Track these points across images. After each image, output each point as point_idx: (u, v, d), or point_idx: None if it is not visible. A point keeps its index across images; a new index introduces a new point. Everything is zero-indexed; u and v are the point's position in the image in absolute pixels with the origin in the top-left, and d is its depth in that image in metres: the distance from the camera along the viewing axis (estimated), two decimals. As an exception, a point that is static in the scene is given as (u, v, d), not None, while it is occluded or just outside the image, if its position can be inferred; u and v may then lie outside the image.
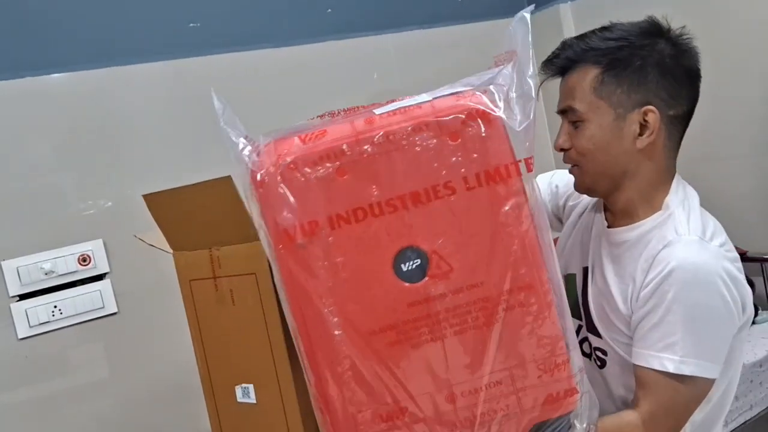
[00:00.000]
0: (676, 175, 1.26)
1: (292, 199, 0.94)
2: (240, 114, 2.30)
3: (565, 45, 1.22)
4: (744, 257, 2.30)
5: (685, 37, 1.21)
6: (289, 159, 0.95)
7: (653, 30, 1.19)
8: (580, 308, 1.30)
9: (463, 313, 0.96)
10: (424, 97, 1.01)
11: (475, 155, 0.94)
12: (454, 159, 0.94)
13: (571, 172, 1.26)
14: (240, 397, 1.35)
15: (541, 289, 0.96)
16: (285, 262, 0.95)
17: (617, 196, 1.23)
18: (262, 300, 1.23)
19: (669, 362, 1.10)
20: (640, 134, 1.17)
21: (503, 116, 0.94)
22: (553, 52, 1.23)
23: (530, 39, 0.96)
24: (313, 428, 1.12)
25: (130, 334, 2.08)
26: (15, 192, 1.94)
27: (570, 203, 1.45)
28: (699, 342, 1.10)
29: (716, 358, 1.13)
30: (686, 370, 1.10)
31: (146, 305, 2.10)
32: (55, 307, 1.97)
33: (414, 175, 0.94)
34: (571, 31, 2.80)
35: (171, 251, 1.44)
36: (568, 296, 1.06)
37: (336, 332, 0.95)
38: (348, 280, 0.95)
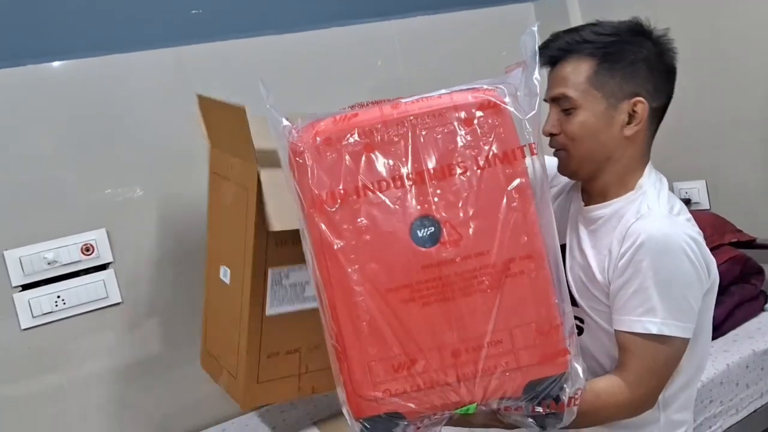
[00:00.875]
0: (650, 162, 1.37)
1: (324, 169, 1.11)
2: (243, 101, 2.30)
3: (557, 36, 1.31)
4: (753, 244, 2.28)
5: (666, 38, 1.32)
6: (323, 136, 1.12)
7: (639, 30, 1.30)
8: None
9: (470, 277, 1.10)
10: (443, 91, 1.18)
11: (486, 140, 1.10)
12: (467, 142, 1.11)
13: (556, 155, 1.34)
14: (221, 276, 1.75)
15: (539, 259, 1.11)
16: (315, 224, 1.11)
17: (597, 179, 1.34)
18: (246, 210, 1.59)
19: (651, 325, 1.20)
20: (629, 123, 1.28)
21: (511, 108, 1.11)
22: (543, 43, 1.30)
23: (537, 49, 1.13)
24: (258, 316, 1.60)
25: (134, 324, 2.07)
26: (16, 181, 1.93)
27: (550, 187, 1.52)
28: (676, 305, 1.21)
29: (690, 319, 1.23)
30: (667, 331, 1.20)
31: (150, 295, 2.09)
32: (59, 297, 1.96)
33: (432, 154, 1.11)
34: (577, 19, 2.77)
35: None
36: None
37: (357, 288, 1.10)
38: (369, 242, 1.11)
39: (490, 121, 1.12)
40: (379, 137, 1.12)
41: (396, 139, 1.13)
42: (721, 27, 2.39)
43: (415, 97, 1.18)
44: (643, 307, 1.21)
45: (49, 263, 1.94)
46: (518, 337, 1.11)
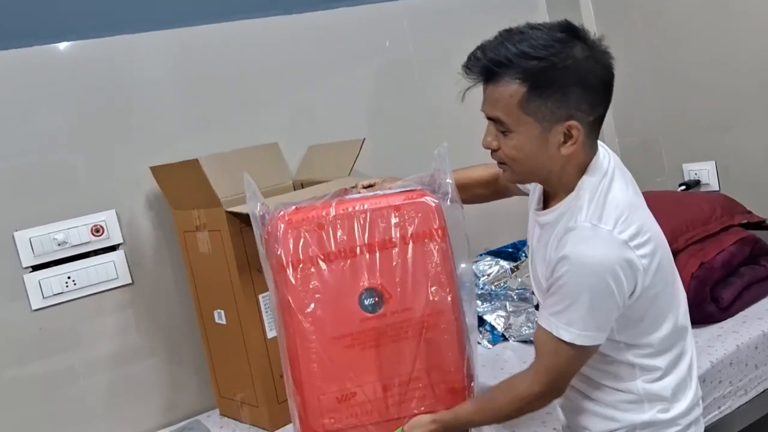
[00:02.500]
0: (597, 155, 1.35)
1: (287, 245, 1.44)
2: (249, 81, 2.31)
3: (484, 50, 1.27)
4: (763, 225, 2.27)
5: (600, 44, 1.28)
6: (287, 220, 1.46)
7: (569, 35, 1.25)
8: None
9: (398, 328, 1.44)
10: (381, 192, 1.55)
11: (412, 221, 1.47)
12: (398, 223, 1.46)
13: (499, 167, 1.38)
14: (216, 319, 1.93)
15: (449, 314, 1.46)
16: (280, 286, 1.44)
17: (544, 184, 1.41)
18: (224, 249, 1.83)
19: (566, 333, 1.27)
20: (564, 143, 1.28)
21: (436, 200, 1.50)
22: (468, 58, 1.30)
23: (449, 163, 1.53)
24: (261, 341, 1.85)
25: (145, 305, 2.08)
26: (25, 162, 1.93)
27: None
28: (581, 316, 1.26)
29: (603, 328, 1.29)
30: (566, 336, 1.27)
31: (161, 276, 2.10)
32: (69, 278, 1.97)
33: (371, 234, 1.45)
34: (588, 8, 2.75)
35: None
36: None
37: (310, 336, 1.42)
38: (320, 300, 1.43)
39: (415, 208, 1.47)
40: (330, 221, 1.45)
41: (342, 222, 1.45)
42: (731, 4, 2.37)
43: (357, 195, 1.54)
44: (554, 309, 1.29)
45: (59, 244, 1.95)
46: (432, 375, 1.45)
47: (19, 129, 1.93)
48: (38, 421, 1.94)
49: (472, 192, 1.73)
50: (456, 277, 1.48)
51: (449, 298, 1.46)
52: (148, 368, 2.08)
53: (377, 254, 1.44)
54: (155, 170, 1.95)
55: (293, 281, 1.43)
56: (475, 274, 2.29)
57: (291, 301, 1.43)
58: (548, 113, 1.25)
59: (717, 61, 2.45)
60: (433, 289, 1.44)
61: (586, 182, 1.32)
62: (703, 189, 2.55)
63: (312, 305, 1.43)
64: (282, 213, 1.46)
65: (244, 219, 1.80)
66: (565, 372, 1.33)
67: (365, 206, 1.47)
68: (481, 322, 2.23)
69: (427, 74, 2.55)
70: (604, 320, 1.29)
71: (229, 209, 1.79)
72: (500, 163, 1.36)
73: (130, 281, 2.05)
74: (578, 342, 1.27)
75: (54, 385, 1.96)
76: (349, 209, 1.46)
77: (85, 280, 1.98)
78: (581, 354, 1.30)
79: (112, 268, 2.02)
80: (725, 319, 2.04)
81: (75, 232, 1.97)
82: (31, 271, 1.93)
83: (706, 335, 1.96)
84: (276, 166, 2.16)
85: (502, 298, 2.23)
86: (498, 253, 2.43)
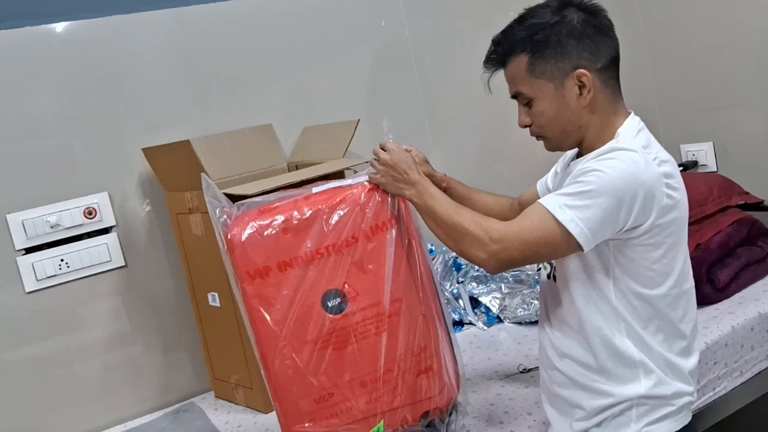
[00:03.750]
0: (633, 116, 1.41)
1: (252, 250, 1.40)
2: (244, 62, 2.29)
3: (494, 43, 1.42)
4: (760, 206, 2.26)
5: (591, 3, 1.38)
6: (249, 225, 1.41)
7: (561, 5, 1.37)
8: None
9: (365, 325, 1.42)
10: (337, 183, 1.50)
11: (368, 214, 1.43)
12: (357, 219, 1.42)
13: (538, 140, 1.45)
14: (210, 302, 1.91)
15: (410, 299, 1.43)
16: (246, 294, 1.41)
17: (581, 145, 1.42)
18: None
19: (556, 203, 1.27)
20: (581, 94, 1.35)
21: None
22: (487, 53, 1.43)
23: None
24: None
25: (139, 288, 2.07)
26: (17, 144, 1.92)
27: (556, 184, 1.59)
28: (591, 212, 1.24)
29: (591, 230, 1.25)
30: (562, 216, 1.25)
31: (154, 259, 2.09)
32: (62, 260, 1.96)
33: (334, 233, 1.42)
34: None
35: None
36: None
37: (281, 342, 1.40)
38: (288, 306, 1.40)
39: (370, 200, 1.44)
40: (291, 223, 1.41)
41: (305, 225, 1.42)
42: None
43: (322, 188, 1.48)
44: (566, 199, 1.27)
45: (51, 227, 1.94)
46: (403, 363, 1.42)
47: (10, 110, 1.91)
48: (33, 404, 1.94)
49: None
50: (416, 259, 1.46)
51: (411, 282, 1.44)
52: (142, 351, 2.08)
53: (342, 254, 1.41)
54: (147, 152, 1.94)
55: (259, 290, 1.40)
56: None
57: (259, 309, 1.41)
58: (555, 70, 1.34)
59: (716, 42, 2.43)
60: (391, 278, 1.42)
61: (626, 130, 1.37)
62: (700, 170, 2.54)
63: (279, 312, 1.40)
64: (245, 218, 1.43)
65: (237, 201, 1.79)
66: (535, 244, 1.28)
67: (325, 206, 1.43)
68: (477, 303, 2.22)
69: (422, 55, 2.53)
70: (602, 228, 1.26)
71: (223, 191, 1.77)
72: (538, 137, 1.44)
73: (124, 264, 2.04)
74: (570, 226, 1.25)
75: (48, 368, 1.96)
76: (309, 211, 1.42)
77: (78, 262, 1.98)
78: (559, 242, 1.27)
79: (105, 251, 2.01)
80: (721, 300, 2.04)
81: (68, 214, 1.96)
82: (24, 254, 1.92)
83: (701, 316, 1.95)
84: (270, 148, 2.15)
85: (497, 279, 2.22)
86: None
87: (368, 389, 1.42)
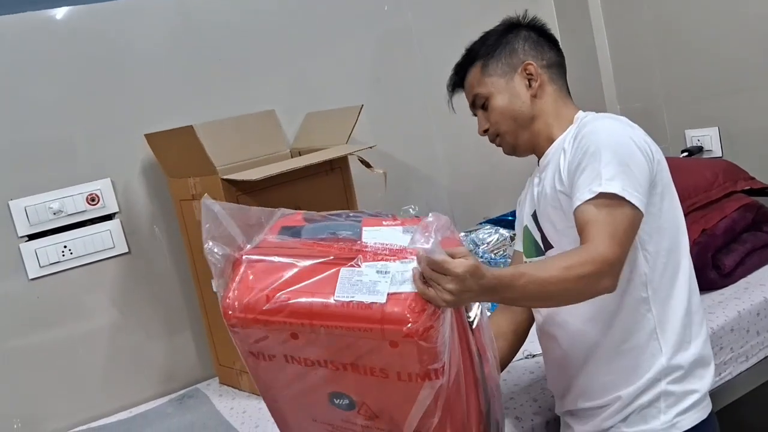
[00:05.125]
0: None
1: (251, 336, 1.18)
2: (246, 47, 2.27)
3: (456, 66, 1.55)
4: (766, 192, 2.25)
5: (536, 19, 1.52)
6: (251, 315, 1.15)
7: (513, 24, 1.51)
8: (540, 243, 1.46)
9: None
10: (399, 238, 1.16)
11: (409, 359, 1.08)
12: (393, 358, 1.09)
13: (497, 144, 1.51)
14: (214, 288, 1.58)
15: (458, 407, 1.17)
16: (251, 366, 1.26)
17: (537, 140, 1.46)
18: None
19: (599, 187, 1.23)
20: (530, 85, 1.45)
21: (437, 343, 1.08)
22: (449, 79, 1.56)
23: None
24: None
25: (142, 274, 2.07)
26: (19, 130, 1.91)
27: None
28: (623, 171, 1.25)
29: (643, 193, 1.26)
30: (627, 195, 1.23)
31: (157, 245, 2.09)
32: (65, 247, 1.95)
33: (355, 356, 1.12)
34: (597, 6, 2.71)
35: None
36: (526, 241, 1.49)
37: (288, 415, 1.31)
38: (293, 391, 1.24)
39: (414, 347, 1.07)
40: (303, 332, 1.13)
41: (320, 340, 1.13)
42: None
43: (372, 238, 1.17)
44: (591, 177, 1.26)
45: (54, 213, 1.93)
46: None
47: (12, 96, 1.90)
48: (37, 390, 1.94)
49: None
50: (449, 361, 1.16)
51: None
52: (146, 337, 2.08)
53: (363, 376, 1.15)
54: (150, 138, 1.93)
55: (258, 369, 1.24)
56: (475, 242, 2.28)
57: (261, 382, 1.28)
58: (505, 66, 1.46)
59: (721, 26, 2.41)
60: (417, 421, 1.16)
61: (582, 114, 1.44)
62: (705, 155, 2.53)
63: (284, 391, 1.26)
64: (246, 297, 1.16)
65: (240, 187, 1.79)
66: (626, 240, 1.22)
67: (354, 330, 1.09)
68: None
69: (425, 41, 2.51)
70: (640, 177, 1.26)
71: (225, 177, 1.77)
72: (495, 139, 1.50)
73: (127, 250, 2.04)
74: (626, 194, 1.22)
75: (52, 354, 1.95)
76: (324, 330, 1.11)
77: (81, 249, 1.97)
78: (634, 218, 1.24)
79: (108, 237, 2.00)
80: (727, 285, 2.03)
81: (70, 200, 1.95)
82: (27, 241, 1.92)
83: (707, 302, 1.94)
84: (273, 134, 2.14)
85: (501, 265, 2.22)
86: (497, 222, 2.41)
87: None
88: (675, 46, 2.55)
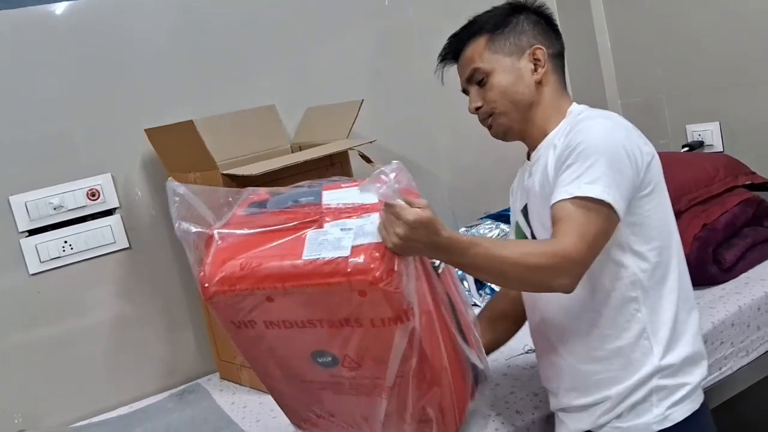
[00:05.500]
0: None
1: (230, 306, 1.24)
2: (247, 42, 2.27)
3: (452, 36, 1.49)
4: (766, 186, 2.25)
5: (541, 5, 1.49)
6: (227, 284, 1.22)
7: (520, 5, 1.47)
8: (530, 239, 1.45)
9: (361, 385, 1.29)
10: (357, 197, 1.22)
11: (379, 306, 1.15)
12: (363, 306, 1.16)
13: (486, 125, 1.46)
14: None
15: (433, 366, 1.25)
16: (235, 337, 1.32)
17: (530, 128, 1.44)
18: None
19: (577, 189, 1.23)
20: (535, 70, 1.42)
21: (402, 288, 1.15)
22: (443, 48, 1.50)
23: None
24: None
25: (143, 269, 2.07)
26: (20, 125, 1.91)
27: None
28: (603, 172, 1.24)
29: (624, 197, 1.26)
30: (593, 192, 1.22)
31: (158, 240, 2.09)
32: (66, 242, 1.95)
33: (329, 310, 1.19)
34: (598, 1, 2.71)
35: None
36: (518, 236, 1.49)
37: (276, 375, 1.36)
38: (275, 356, 1.32)
39: (382, 294, 1.14)
40: (278, 292, 1.19)
41: (295, 299, 1.19)
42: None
43: (332, 198, 1.23)
44: (584, 178, 1.24)
45: (54, 208, 1.93)
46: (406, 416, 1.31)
47: (11, 91, 1.90)
48: (38, 385, 1.94)
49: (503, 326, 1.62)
50: (438, 336, 1.26)
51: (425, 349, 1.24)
52: (147, 332, 2.08)
53: (339, 329, 1.21)
54: (150, 133, 1.93)
55: (240, 338, 1.31)
56: (476, 237, 2.28)
57: (247, 352, 1.36)
58: (512, 46, 1.42)
59: (722, 21, 2.40)
60: (397, 366, 1.23)
61: (577, 107, 1.43)
62: (706, 150, 2.52)
63: (270, 360, 1.33)
64: (220, 266, 1.22)
65: (241, 182, 1.78)
66: (596, 243, 1.23)
67: (324, 286, 1.15)
68: (482, 285, 2.22)
69: (426, 36, 2.51)
70: (623, 183, 1.25)
71: (226, 172, 1.77)
72: (487, 119, 1.45)
73: (128, 245, 2.04)
74: (606, 198, 1.22)
75: (53, 349, 1.96)
76: (297, 289, 1.17)
77: (82, 244, 1.97)
78: (608, 219, 1.24)
79: (108, 233, 2.00)
80: (728, 280, 2.03)
81: (71, 196, 1.95)
82: (27, 236, 1.92)
83: (708, 296, 1.95)
84: (273, 129, 2.14)
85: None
86: (498, 217, 2.41)
87: (369, 423, 1.35)
88: (676, 40, 2.55)
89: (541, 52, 1.41)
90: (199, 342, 2.13)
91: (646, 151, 1.33)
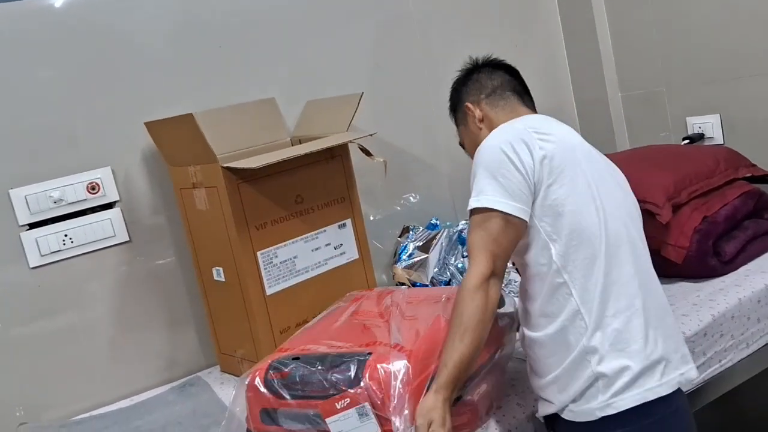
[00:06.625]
0: (527, 116, 1.60)
1: None
2: (246, 34, 2.26)
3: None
4: (767, 179, 2.24)
5: (486, 59, 1.73)
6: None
7: (467, 69, 1.73)
8: None
9: None
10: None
11: None
12: None
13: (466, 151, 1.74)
14: (215, 277, 1.93)
15: None
16: None
17: None
18: (221, 206, 1.80)
19: (474, 201, 1.40)
20: (473, 119, 1.65)
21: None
22: None
23: None
24: (260, 298, 1.85)
25: (143, 263, 2.07)
26: (20, 119, 1.90)
27: None
28: (487, 183, 1.39)
29: (511, 197, 1.38)
30: (479, 203, 1.39)
31: (158, 234, 2.09)
32: (66, 235, 1.95)
33: None
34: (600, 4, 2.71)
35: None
36: None
37: None
38: None
39: None
40: None
41: None
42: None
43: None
44: (473, 192, 1.41)
45: (55, 202, 1.93)
46: None
47: (11, 84, 1.90)
48: (39, 379, 1.94)
49: None
50: None
51: None
52: (147, 325, 2.08)
53: None
54: (150, 126, 1.93)
55: None
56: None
57: None
58: (460, 114, 1.71)
59: (723, 14, 2.40)
60: None
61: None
62: (707, 143, 2.52)
63: None
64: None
65: (241, 175, 1.79)
66: (498, 248, 1.38)
67: None
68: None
69: (426, 28, 2.50)
70: (513, 187, 1.38)
71: (226, 165, 1.77)
72: (464, 148, 1.74)
73: (128, 239, 2.04)
74: (495, 206, 1.36)
75: (54, 343, 1.96)
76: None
77: (82, 237, 1.97)
78: (506, 225, 1.37)
79: (108, 226, 2.00)
80: (728, 272, 2.03)
81: (71, 189, 1.95)
82: (27, 229, 1.92)
83: (708, 289, 1.95)
84: (273, 122, 2.14)
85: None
86: (499, 209, 2.40)
87: None
88: (677, 33, 2.54)
89: (469, 108, 1.65)
90: (199, 335, 2.13)
91: (537, 146, 1.41)
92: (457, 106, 1.72)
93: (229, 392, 1.91)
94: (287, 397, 1.39)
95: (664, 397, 1.38)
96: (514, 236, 1.39)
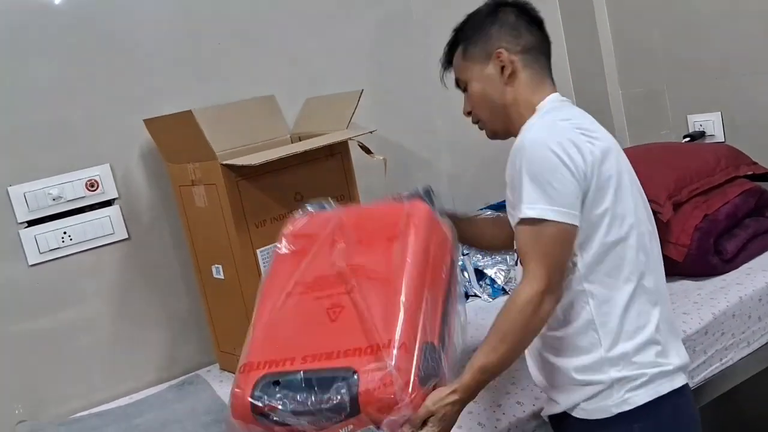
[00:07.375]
0: (554, 94, 1.47)
1: None
2: (246, 31, 2.25)
3: (446, 46, 1.56)
4: (766, 177, 2.24)
5: (529, 5, 1.52)
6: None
7: (497, 4, 1.50)
8: None
9: None
10: None
11: None
12: None
13: (479, 128, 1.55)
14: (215, 274, 1.91)
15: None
16: None
17: (512, 127, 1.47)
18: (220, 203, 1.79)
19: (529, 210, 1.30)
20: (502, 72, 1.46)
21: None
22: (442, 55, 1.58)
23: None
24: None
25: (142, 260, 2.07)
26: (18, 116, 1.90)
27: None
28: (543, 191, 1.29)
29: (565, 204, 1.29)
30: (532, 213, 1.29)
31: (157, 231, 2.08)
32: (65, 233, 1.95)
33: None
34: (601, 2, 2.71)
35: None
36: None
37: None
38: None
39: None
40: None
41: None
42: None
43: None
44: (519, 199, 1.31)
45: (53, 199, 1.93)
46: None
47: (11, 81, 1.89)
48: (38, 376, 1.94)
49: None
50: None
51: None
52: (146, 323, 2.08)
53: None
54: (149, 123, 1.92)
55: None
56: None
57: None
58: (481, 52, 1.47)
59: (724, 11, 2.39)
60: None
61: (546, 104, 1.44)
62: (708, 140, 2.52)
63: None
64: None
65: (240, 172, 1.78)
66: (553, 259, 1.30)
67: None
68: (482, 276, 2.22)
69: (426, 25, 2.49)
70: (566, 192, 1.29)
71: (225, 162, 1.76)
72: (477, 123, 1.54)
73: (127, 236, 2.03)
74: (549, 217, 1.28)
75: (53, 340, 1.95)
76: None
77: (81, 235, 1.97)
78: (561, 234, 1.30)
79: (107, 223, 2.00)
80: (729, 271, 2.03)
81: (69, 186, 1.95)
82: (26, 227, 1.91)
83: (709, 287, 1.94)
84: (273, 119, 2.13)
85: (502, 251, 2.21)
86: (499, 207, 2.40)
87: None
88: (678, 30, 2.54)
89: (504, 55, 1.45)
90: (199, 333, 2.13)
91: (587, 150, 1.33)
92: (477, 42, 1.49)
93: (228, 390, 1.90)
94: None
95: (678, 389, 1.38)
96: (569, 245, 1.32)
